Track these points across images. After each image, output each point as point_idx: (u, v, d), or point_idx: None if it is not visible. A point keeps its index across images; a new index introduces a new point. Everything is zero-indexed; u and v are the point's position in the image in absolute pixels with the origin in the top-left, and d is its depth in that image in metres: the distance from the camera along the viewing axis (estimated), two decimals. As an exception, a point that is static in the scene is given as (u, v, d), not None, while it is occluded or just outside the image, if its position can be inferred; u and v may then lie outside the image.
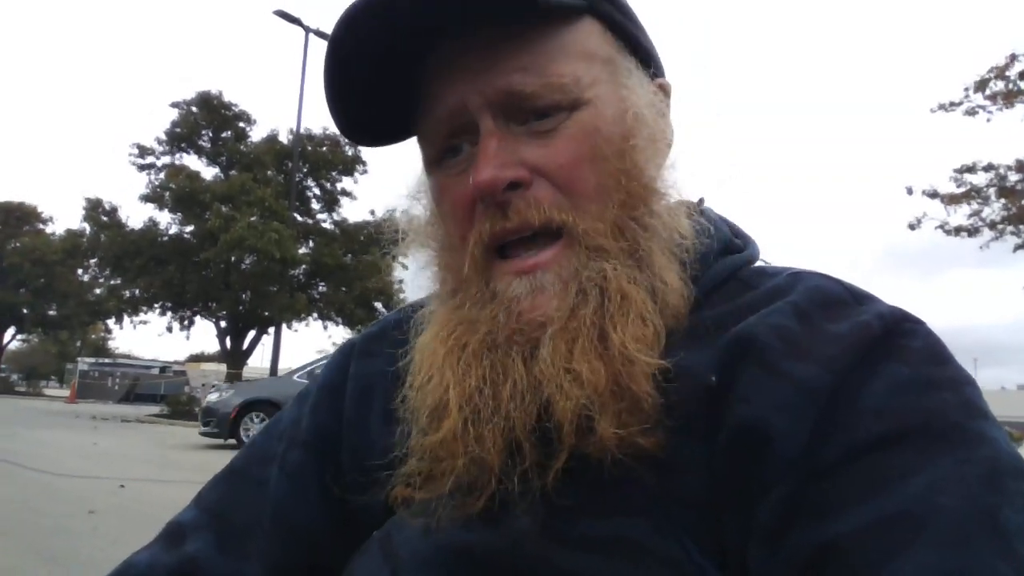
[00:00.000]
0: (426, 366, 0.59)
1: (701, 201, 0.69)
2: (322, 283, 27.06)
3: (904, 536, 0.44)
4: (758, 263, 0.67)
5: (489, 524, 0.54)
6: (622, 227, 0.58)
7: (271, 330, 24.60)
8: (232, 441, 12.40)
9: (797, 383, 0.50)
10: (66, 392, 39.12)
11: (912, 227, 20.20)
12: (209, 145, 27.85)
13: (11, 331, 43.35)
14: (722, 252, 0.65)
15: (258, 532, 0.69)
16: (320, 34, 19.40)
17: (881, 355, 0.51)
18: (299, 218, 27.05)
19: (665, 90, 0.68)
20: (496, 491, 0.54)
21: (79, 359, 41.15)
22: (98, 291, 33.19)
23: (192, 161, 27.83)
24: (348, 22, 0.57)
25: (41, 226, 42.10)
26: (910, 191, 19.90)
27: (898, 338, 0.53)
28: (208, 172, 27.60)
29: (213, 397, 13.45)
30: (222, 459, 0.77)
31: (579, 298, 0.56)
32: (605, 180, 0.58)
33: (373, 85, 0.61)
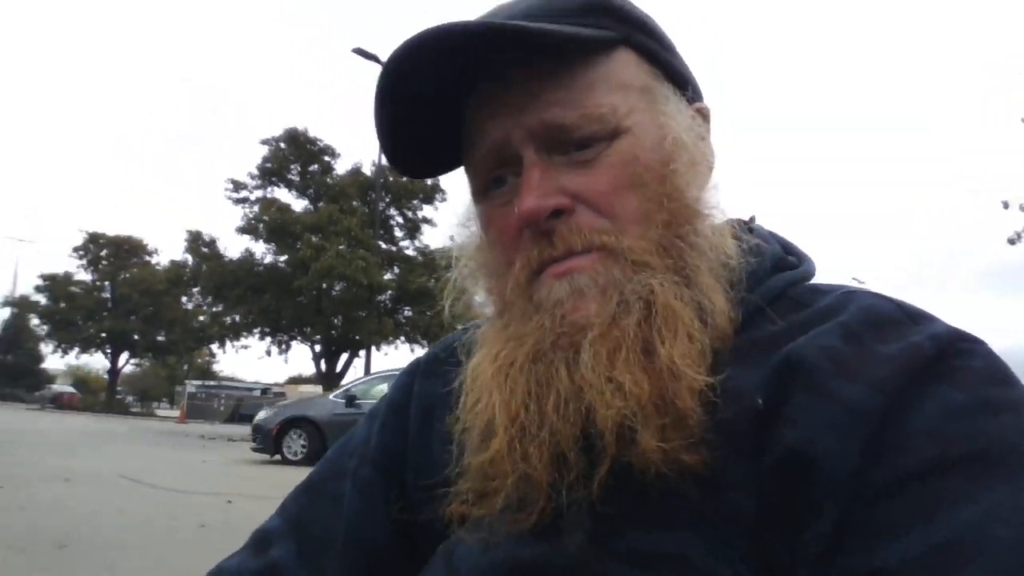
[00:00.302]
0: (476, 387, 0.61)
1: (752, 219, 0.69)
2: (407, 308, 27.64)
3: (956, 565, 0.42)
4: (813, 281, 0.66)
5: (541, 538, 0.55)
6: (667, 246, 0.59)
7: (362, 353, 25.67)
8: (278, 457, 13.16)
9: (846, 404, 0.49)
10: (176, 413, 39.82)
11: (1012, 242, 19.33)
12: (298, 178, 29.08)
13: (125, 356, 44.45)
14: (773, 270, 0.64)
15: (333, 546, 0.72)
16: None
17: (932, 376, 0.50)
18: (383, 246, 27.90)
19: (704, 114, 0.68)
20: (547, 505, 0.55)
21: (187, 381, 41.94)
22: (202, 318, 34.17)
23: (283, 194, 29.13)
24: (397, 61, 0.59)
25: (148, 258, 43.25)
26: (1006, 205, 19.09)
27: (952, 359, 0.51)
28: (298, 204, 28.81)
29: (261, 415, 14.32)
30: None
31: (620, 308, 0.56)
32: (647, 204, 0.59)
33: (419, 122, 0.64)
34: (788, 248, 0.69)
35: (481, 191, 0.65)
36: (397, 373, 0.85)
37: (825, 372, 0.51)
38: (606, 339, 0.55)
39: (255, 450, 13.87)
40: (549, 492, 0.55)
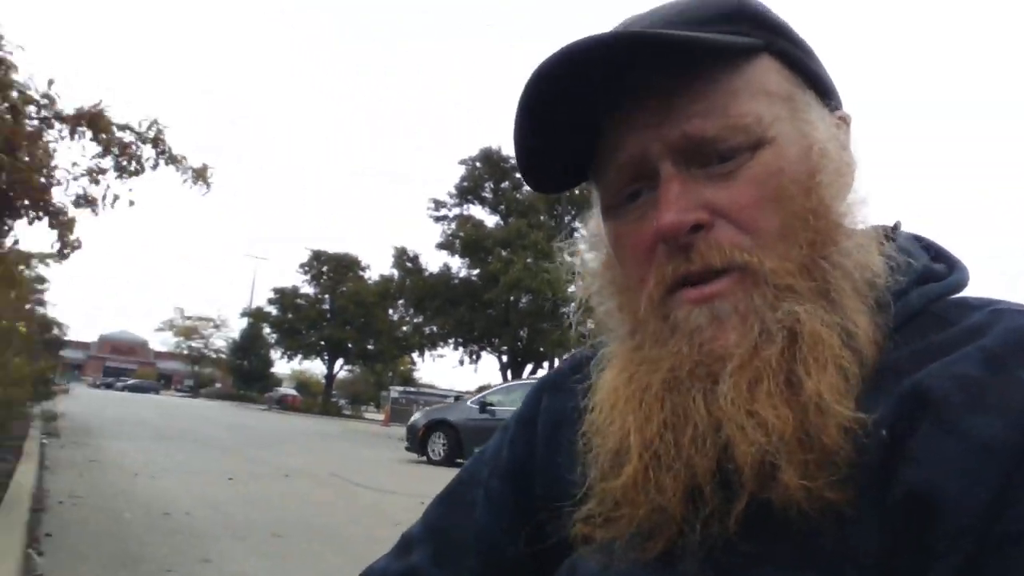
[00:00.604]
0: (607, 407, 0.59)
1: (897, 225, 0.65)
2: (591, 319, 27.86)
3: None
4: (962, 293, 0.60)
5: (667, 567, 0.54)
6: (811, 267, 0.56)
7: (546, 364, 26.33)
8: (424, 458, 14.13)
9: (977, 442, 0.46)
10: (381, 416, 42.85)
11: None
12: (491, 195, 30.59)
13: (340, 362, 47.69)
14: (917, 283, 0.59)
15: (468, 551, 0.74)
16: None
17: None
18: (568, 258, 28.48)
19: (846, 122, 0.64)
20: (677, 537, 0.54)
21: (391, 387, 44.59)
22: (405, 328, 36.54)
23: (477, 211, 30.83)
24: (539, 79, 0.58)
25: (361, 273, 45.69)
26: None
27: None
28: (490, 220, 30.31)
29: (414, 417, 15.69)
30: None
31: (762, 337, 0.54)
32: (791, 220, 0.56)
33: (555, 138, 0.62)
34: (938, 254, 0.64)
35: (613, 206, 0.63)
36: (530, 382, 0.98)
37: (956, 405, 0.48)
38: (746, 370, 0.53)
39: (408, 450, 14.86)
40: (681, 525, 0.54)
